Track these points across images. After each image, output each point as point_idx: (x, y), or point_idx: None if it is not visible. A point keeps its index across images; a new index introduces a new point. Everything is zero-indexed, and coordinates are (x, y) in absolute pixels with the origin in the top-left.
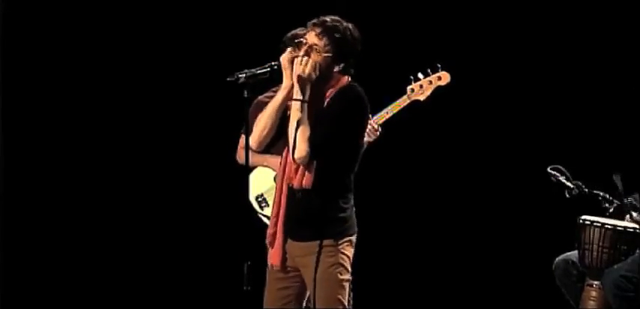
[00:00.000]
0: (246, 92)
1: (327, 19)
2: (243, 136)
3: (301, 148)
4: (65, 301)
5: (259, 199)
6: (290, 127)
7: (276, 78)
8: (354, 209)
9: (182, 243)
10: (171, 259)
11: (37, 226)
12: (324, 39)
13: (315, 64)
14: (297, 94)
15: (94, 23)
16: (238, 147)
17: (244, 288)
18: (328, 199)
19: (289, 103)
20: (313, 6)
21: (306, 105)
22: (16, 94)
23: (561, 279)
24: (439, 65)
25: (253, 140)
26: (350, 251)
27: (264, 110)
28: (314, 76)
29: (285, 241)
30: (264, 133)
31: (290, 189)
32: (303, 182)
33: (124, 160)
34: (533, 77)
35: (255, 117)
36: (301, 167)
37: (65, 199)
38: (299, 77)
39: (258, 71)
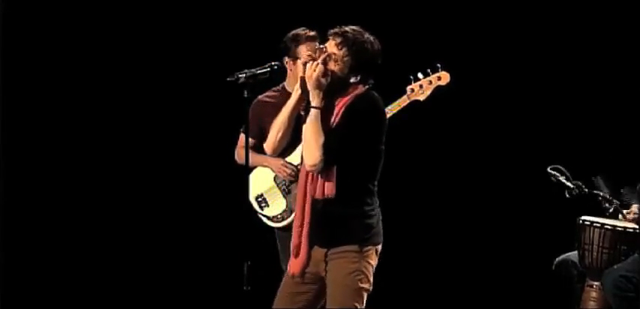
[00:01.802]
0: (246, 92)
1: (348, 29)
2: (242, 136)
3: (314, 156)
4: (65, 301)
5: (259, 199)
6: (303, 136)
7: (276, 78)
8: (380, 217)
9: (182, 243)
10: (171, 259)
11: (37, 226)
12: (343, 49)
13: (327, 72)
14: (311, 100)
15: (94, 23)
16: (237, 146)
17: (244, 288)
18: (351, 205)
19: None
20: (314, 6)
21: (317, 111)
22: (16, 94)
23: (561, 279)
24: (439, 65)
25: (268, 146)
26: (374, 260)
27: (279, 115)
28: (324, 82)
29: (310, 250)
30: (279, 136)
31: (313, 201)
32: (325, 192)
33: (125, 160)
34: (533, 77)
35: (255, 116)
36: (321, 177)
37: (65, 199)
38: (308, 82)
39: (258, 71)
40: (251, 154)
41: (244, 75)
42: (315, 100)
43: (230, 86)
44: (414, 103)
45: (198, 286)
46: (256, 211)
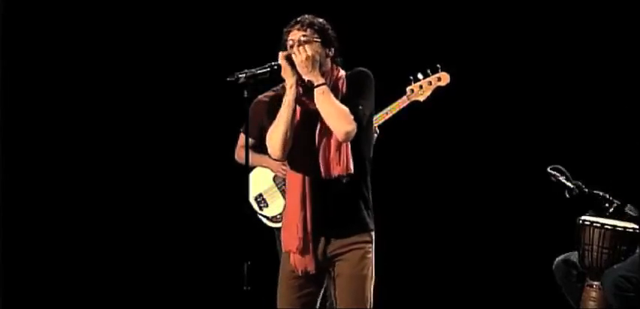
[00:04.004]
0: (246, 92)
1: (300, 17)
2: (242, 136)
3: (346, 121)
4: (65, 301)
5: (258, 200)
6: (323, 112)
7: (276, 78)
8: None
9: (182, 243)
10: (171, 259)
11: (37, 226)
12: (308, 30)
13: (312, 47)
14: (314, 80)
15: (94, 23)
16: (237, 146)
17: (244, 288)
18: (360, 186)
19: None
20: (313, 6)
21: (325, 86)
22: (16, 94)
23: (561, 279)
24: (439, 66)
25: (277, 149)
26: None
27: (278, 117)
28: (317, 57)
29: (317, 243)
30: (287, 137)
31: (320, 188)
32: (348, 167)
33: (125, 160)
34: (533, 77)
35: (255, 116)
36: (335, 154)
37: (65, 199)
38: (304, 64)
39: (258, 71)
40: (251, 154)
41: (244, 75)
42: (318, 78)
43: (230, 86)
44: (414, 104)
45: (199, 286)
46: (256, 212)
